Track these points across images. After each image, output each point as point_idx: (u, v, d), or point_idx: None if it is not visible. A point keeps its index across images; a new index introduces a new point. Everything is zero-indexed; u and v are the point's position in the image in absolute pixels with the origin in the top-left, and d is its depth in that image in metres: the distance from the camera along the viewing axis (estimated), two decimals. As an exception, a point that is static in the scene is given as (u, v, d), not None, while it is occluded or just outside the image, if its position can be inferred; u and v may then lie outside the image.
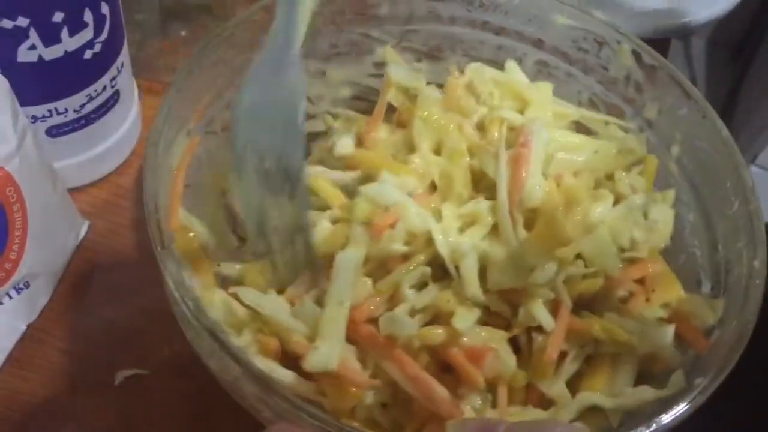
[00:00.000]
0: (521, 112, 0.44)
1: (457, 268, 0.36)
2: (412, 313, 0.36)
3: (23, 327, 0.43)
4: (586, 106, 0.46)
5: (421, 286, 0.37)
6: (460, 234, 0.38)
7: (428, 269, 0.37)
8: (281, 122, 0.30)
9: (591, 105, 0.46)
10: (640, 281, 0.39)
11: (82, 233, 0.47)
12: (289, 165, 0.31)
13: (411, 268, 0.36)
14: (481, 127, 0.43)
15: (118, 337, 0.45)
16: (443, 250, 0.36)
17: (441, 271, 0.37)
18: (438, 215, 0.38)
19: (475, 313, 0.35)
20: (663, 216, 0.41)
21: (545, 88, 0.45)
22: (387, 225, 0.36)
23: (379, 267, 0.37)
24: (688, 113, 0.41)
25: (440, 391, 0.34)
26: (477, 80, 0.44)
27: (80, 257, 0.47)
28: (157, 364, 0.43)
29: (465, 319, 0.35)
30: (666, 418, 0.30)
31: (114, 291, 0.46)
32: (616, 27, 0.44)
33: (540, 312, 0.36)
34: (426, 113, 0.42)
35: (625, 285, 0.39)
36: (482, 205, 0.38)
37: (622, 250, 0.39)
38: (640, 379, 0.37)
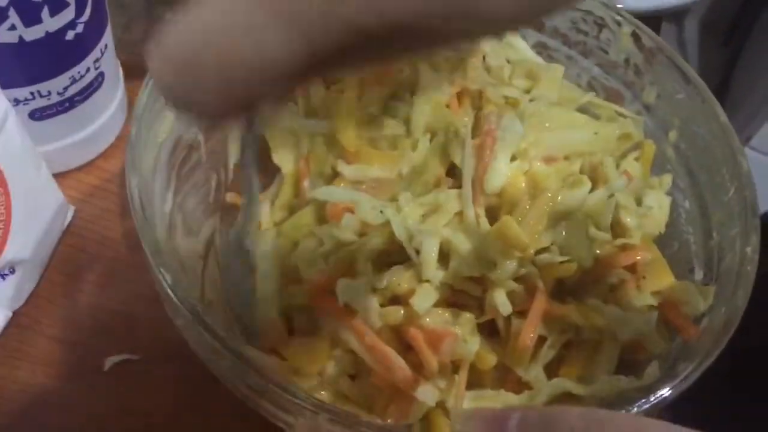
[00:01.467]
0: (528, 91, 0.43)
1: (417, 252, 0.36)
2: (372, 291, 0.35)
3: (9, 314, 0.43)
4: (585, 90, 0.45)
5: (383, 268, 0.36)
6: (421, 220, 0.37)
7: (379, 243, 0.36)
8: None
9: (590, 88, 0.46)
10: (632, 269, 0.39)
11: (68, 219, 0.47)
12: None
13: (364, 242, 0.36)
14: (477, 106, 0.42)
15: (107, 323, 0.44)
16: (399, 233, 0.35)
17: (404, 256, 0.36)
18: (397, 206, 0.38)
19: (433, 296, 0.35)
20: (658, 202, 0.40)
21: (556, 70, 0.44)
22: (341, 210, 0.37)
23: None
24: (687, 98, 0.41)
25: (398, 362, 0.34)
26: (492, 54, 0.43)
27: (67, 243, 0.46)
28: (147, 350, 0.43)
29: (423, 299, 0.34)
30: (647, 405, 0.30)
31: (102, 276, 0.46)
32: (616, 8, 0.43)
33: (500, 299, 0.35)
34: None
35: (615, 272, 0.38)
36: (445, 194, 0.38)
37: (614, 236, 0.38)
38: (626, 367, 0.37)
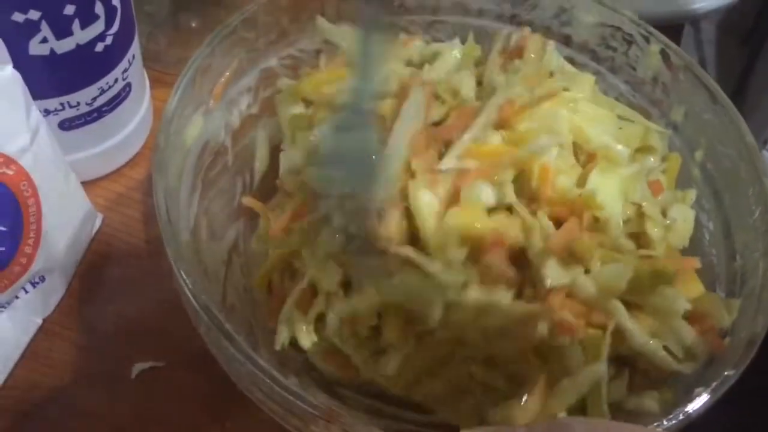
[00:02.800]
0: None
1: None
2: None
3: (39, 321, 0.43)
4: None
5: None
6: None
7: None
8: (359, 169, 0.34)
9: None
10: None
11: (96, 226, 0.47)
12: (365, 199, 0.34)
13: None
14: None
15: (134, 330, 0.45)
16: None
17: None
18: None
19: None
20: (683, 215, 0.40)
21: (588, 78, 0.44)
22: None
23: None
24: (714, 117, 0.41)
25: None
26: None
27: (94, 251, 0.47)
28: (173, 357, 0.43)
29: None
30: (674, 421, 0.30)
31: (129, 284, 0.46)
32: (645, 25, 0.43)
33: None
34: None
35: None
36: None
37: (638, 247, 0.38)
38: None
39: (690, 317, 0.37)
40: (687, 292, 0.37)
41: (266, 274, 0.41)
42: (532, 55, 0.43)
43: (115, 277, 0.47)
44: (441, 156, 0.38)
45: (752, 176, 0.38)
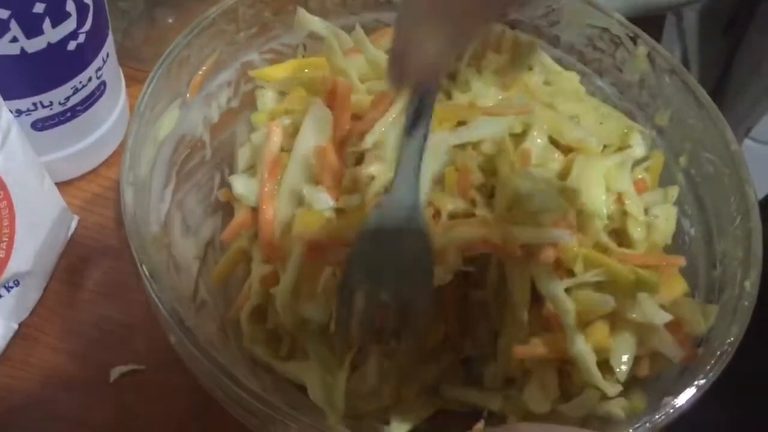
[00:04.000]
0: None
1: None
2: None
3: (15, 326, 0.43)
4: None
5: None
6: None
7: None
8: (407, 268, 0.32)
9: None
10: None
11: (72, 228, 0.46)
12: (410, 304, 0.33)
13: None
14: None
15: (113, 333, 0.44)
16: None
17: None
18: None
19: None
20: (665, 214, 0.40)
21: (572, 77, 0.44)
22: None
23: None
24: (699, 122, 0.40)
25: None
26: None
27: (71, 253, 0.46)
28: (153, 360, 0.43)
29: None
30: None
31: (107, 286, 0.45)
32: (632, 27, 0.43)
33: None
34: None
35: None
36: None
37: (620, 246, 0.38)
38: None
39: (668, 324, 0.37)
40: (671, 290, 0.37)
41: (223, 269, 0.41)
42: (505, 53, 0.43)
43: (93, 279, 0.46)
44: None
45: (735, 184, 0.38)
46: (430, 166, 0.36)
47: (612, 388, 0.34)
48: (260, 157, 0.40)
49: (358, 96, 0.40)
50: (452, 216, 0.36)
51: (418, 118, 0.30)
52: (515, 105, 0.40)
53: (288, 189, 0.38)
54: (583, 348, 0.34)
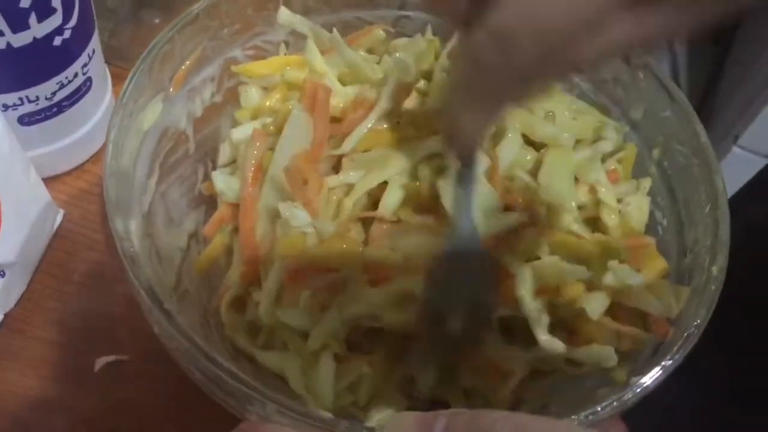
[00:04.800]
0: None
1: None
2: None
3: (0, 317, 0.43)
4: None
5: None
6: None
7: None
8: (472, 291, 0.36)
9: None
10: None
11: (57, 222, 0.47)
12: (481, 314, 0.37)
13: None
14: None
15: (97, 325, 0.45)
16: None
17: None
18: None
19: None
20: (638, 204, 0.41)
21: None
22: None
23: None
24: (671, 115, 0.41)
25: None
26: None
27: (57, 246, 0.47)
28: (137, 350, 0.43)
29: None
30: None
31: (91, 279, 0.46)
32: None
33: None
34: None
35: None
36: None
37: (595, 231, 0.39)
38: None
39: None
40: (651, 267, 0.38)
41: (205, 261, 0.41)
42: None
43: (79, 271, 0.46)
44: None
45: (704, 174, 0.39)
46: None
47: (556, 344, 0.35)
48: (242, 161, 0.41)
49: (338, 99, 0.41)
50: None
51: (467, 173, 0.35)
52: None
53: (265, 205, 0.39)
54: (531, 306, 0.35)
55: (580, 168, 0.40)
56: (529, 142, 0.42)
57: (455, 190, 0.36)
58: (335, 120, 0.40)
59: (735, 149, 1.32)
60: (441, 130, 0.34)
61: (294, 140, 0.39)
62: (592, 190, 0.40)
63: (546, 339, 0.35)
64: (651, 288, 0.37)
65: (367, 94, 0.40)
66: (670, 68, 1.60)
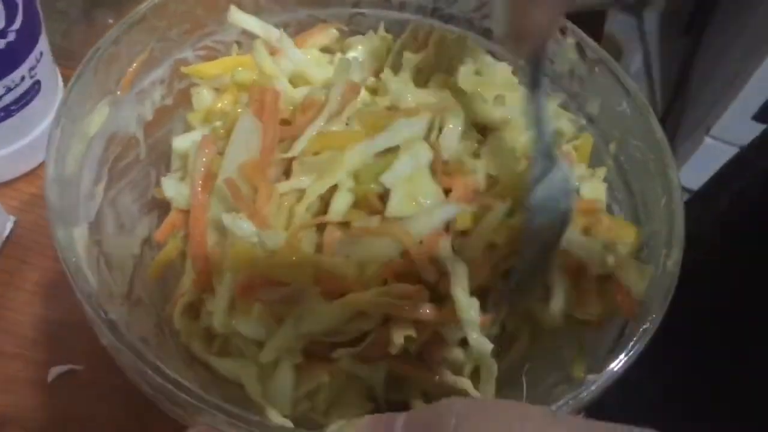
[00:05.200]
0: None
1: None
2: None
3: (-52, 328, 0.42)
4: None
5: None
6: None
7: None
8: (559, 206, 0.36)
9: None
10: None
11: (8, 229, 0.46)
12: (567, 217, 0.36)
13: None
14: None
15: (51, 334, 0.44)
16: None
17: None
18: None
19: None
20: (593, 189, 0.41)
21: (502, 67, 0.45)
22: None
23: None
24: (627, 109, 0.41)
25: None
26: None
27: (8, 254, 0.46)
28: (91, 360, 0.43)
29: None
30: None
31: (44, 286, 0.45)
32: (561, 18, 0.43)
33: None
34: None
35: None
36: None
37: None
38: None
39: (608, 282, 0.38)
40: (624, 235, 0.38)
41: (158, 267, 0.41)
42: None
43: (31, 279, 0.45)
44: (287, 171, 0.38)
45: (659, 168, 0.39)
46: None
47: (486, 345, 0.35)
48: (191, 168, 0.40)
49: (287, 101, 0.40)
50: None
51: (537, 76, 0.35)
52: (431, 103, 0.40)
53: (213, 215, 0.38)
54: (464, 303, 0.35)
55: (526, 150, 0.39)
56: (479, 129, 0.42)
57: (527, 96, 0.36)
58: (285, 122, 0.40)
59: (707, 140, 1.33)
60: (510, 32, 0.33)
61: (242, 146, 0.38)
62: None
63: (476, 338, 0.35)
64: (618, 267, 0.37)
65: (316, 95, 0.39)
66: (643, 59, 1.61)
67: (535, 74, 0.35)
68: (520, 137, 0.40)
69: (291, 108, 0.40)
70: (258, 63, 0.41)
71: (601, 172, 0.42)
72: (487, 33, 0.46)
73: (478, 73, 0.44)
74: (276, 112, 0.38)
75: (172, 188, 0.41)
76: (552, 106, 0.43)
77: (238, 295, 0.36)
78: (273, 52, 0.43)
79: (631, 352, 0.33)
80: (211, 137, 0.40)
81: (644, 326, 0.33)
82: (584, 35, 0.43)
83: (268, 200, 0.36)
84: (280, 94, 0.39)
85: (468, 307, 0.34)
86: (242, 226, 0.36)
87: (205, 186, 0.39)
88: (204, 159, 0.39)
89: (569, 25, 0.43)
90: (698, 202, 0.70)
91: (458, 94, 0.41)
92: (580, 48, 0.43)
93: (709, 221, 0.62)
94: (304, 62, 0.42)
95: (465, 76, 0.42)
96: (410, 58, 0.42)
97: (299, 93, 0.41)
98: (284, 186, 0.37)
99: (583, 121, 0.44)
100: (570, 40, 0.43)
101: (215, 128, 0.40)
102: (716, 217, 0.64)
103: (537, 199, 0.35)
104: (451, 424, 0.21)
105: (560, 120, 0.43)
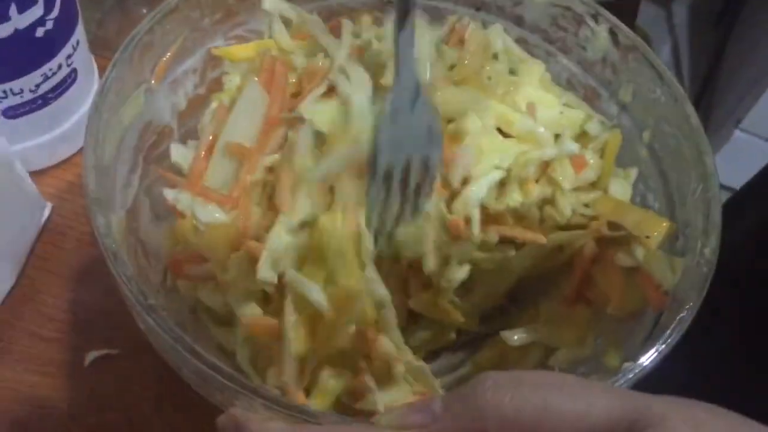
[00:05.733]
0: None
1: None
2: None
3: (-12, 311, 0.43)
4: (564, 88, 0.45)
5: None
6: None
7: None
8: (422, 142, 0.36)
9: (569, 86, 0.46)
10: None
11: (45, 216, 0.47)
12: (429, 163, 0.37)
13: None
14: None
15: (87, 319, 0.44)
16: None
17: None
18: None
19: None
20: (622, 190, 0.41)
21: (538, 66, 0.45)
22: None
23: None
24: (661, 96, 0.41)
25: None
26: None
27: (45, 240, 0.47)
28: (127, 344, 0.43)
29: None
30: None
31: (80, 272, 0.46)
32: (593, 5, 0.43)
33: None
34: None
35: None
36: None
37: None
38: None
39: (637, 276, 0.37)
40: (652, 227, 0.37)
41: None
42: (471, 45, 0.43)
43: (68, 265, 0.46)
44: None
45: (695, 155, 0.38)
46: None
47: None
48: (200, 133, 0.40)
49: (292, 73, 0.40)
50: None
51: (406, 14, 0.35)
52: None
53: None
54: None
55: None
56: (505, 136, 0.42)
57: (395, 37, 0.35)
58: (295, 96, 0.40)
59: (737, 133, 1.31)
60: None
61: (246, 115, 0.38)
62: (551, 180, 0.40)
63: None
64: (647, 260, 0.37)
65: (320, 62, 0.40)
66: (672, 52, 1.59)
67: (403, 12, 0.35)
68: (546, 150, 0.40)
69: (293, 81, 0.40)
70: (276, 39, 0.42)
71: (633, 172, 0.42)
72: (518, 20, 0.46)
73: (512, 72, 0.44)
74: (285, 83, 0.38)
75: (178, 153, 0.41)
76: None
77: (168, 269, 0.37)
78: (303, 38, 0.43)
79: (669, 341, 0.32)
80: (224, 105, 0.40)
81: (681, 315, 0.33)
82: (617, 21, 0.43)
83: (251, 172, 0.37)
84: (288, 66, 0.39)
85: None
86: (207, 210, 0.36)
87: (208, 152, 0.39)
88: (214, 125, 0.39)
89: (601, 10, 0.43)
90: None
91: (489, 93, 0.41)
92: (612, 34, 0.43)
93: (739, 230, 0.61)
94: (333, 45, 0.42)
95: (499, 75, 0.42)
96: (446, 51, 0.42)
97: (301, 61, 0.41)
98: (269, 159, 0.38)
99: (617, 109, 0.43)
100: (602, 27, 0.43)
101: (220, 99, 0.40)
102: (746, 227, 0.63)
103: (388, 136, 0.35)
104: (487, 387, 0.22)
105: (591, 123, 0.43)
